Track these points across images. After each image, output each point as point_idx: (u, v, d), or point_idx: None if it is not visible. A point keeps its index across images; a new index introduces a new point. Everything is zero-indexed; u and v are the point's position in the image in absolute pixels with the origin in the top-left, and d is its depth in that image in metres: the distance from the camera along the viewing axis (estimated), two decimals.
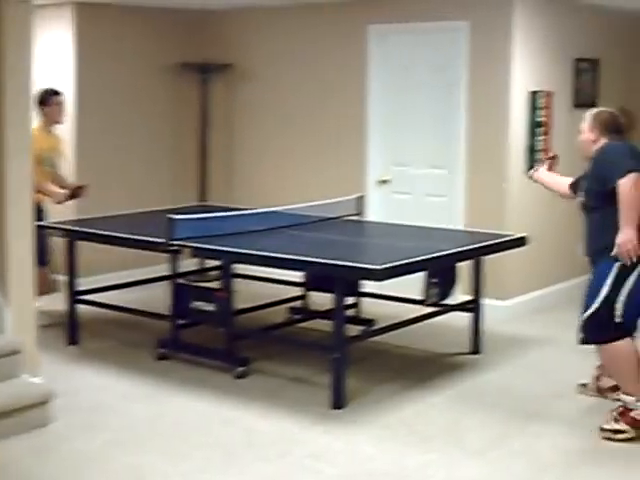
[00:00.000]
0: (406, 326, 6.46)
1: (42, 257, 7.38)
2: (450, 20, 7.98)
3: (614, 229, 5.19)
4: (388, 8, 8.30)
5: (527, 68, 7.83)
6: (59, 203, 7.64)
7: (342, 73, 8.75)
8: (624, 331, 5.29)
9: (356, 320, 7.03)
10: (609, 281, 5.23)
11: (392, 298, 7.14)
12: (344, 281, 5.68)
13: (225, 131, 9.67)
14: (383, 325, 6.47)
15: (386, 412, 5.60)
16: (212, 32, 9.65)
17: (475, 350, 6.79)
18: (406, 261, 5.63)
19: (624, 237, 5.16)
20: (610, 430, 5.22)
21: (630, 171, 5.13)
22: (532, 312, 7.88)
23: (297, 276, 7.25)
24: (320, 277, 6.50)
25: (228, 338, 6.31)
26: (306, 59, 9.01)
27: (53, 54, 8.87)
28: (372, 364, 6.58)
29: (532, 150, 7.85)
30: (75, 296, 7.18)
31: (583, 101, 8.44)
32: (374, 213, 8.42)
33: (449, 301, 6.51)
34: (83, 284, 7.52)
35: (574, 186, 5.81)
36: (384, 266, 5.44)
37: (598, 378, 5.87)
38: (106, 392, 6.02)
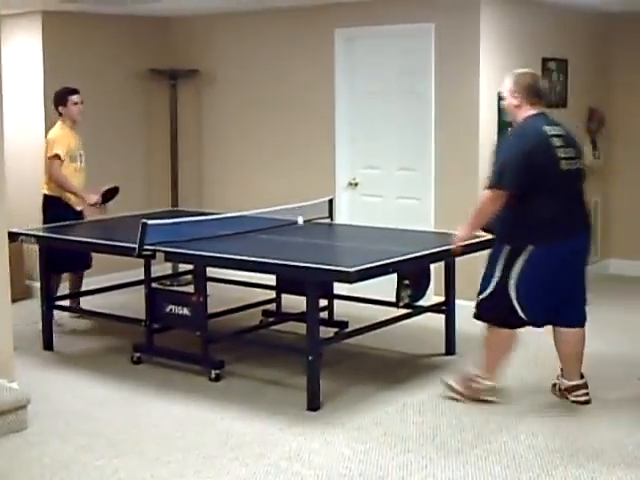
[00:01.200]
0: (380, 328, 6.50)
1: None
2: (416, 22, 8.00)
3: (508, 214, 5.44)
4: (354, 12, 8.34)
5: (495, 69, 7.85)
6: (90, 208, 7.68)
7: (309, 77, 8.78)
8: (523, 323, 5.59)
9: (330, 322, 7.08)
10: (500, 265, 5.50)
11: (365, 300, 7.19)
12: (317, 284, 5.72)
13: (194, 136, 9.70)
14: (357, 327, 6.50)
15: (362, 413, 5.63)
16: (179, 38, 9.69)
17: (449, 351, 6.84)
18: (377, 263, 5.67)
19: (461, 234, 5.71)
20: (449, 386, 5.81)
21: (499, 186, 5.37)
22: None
23: (270, 279, 7.27)
24: (292, 280, 6.53)
25: (203, 341, 6.34)
26: (273, 63, 9.05)
27: (22, 62, 8.87)
28: (347, 366, 6.62)
29: None
30: (50, 302, 7.19)
31: (552, 101, 8.50)
32: (344, 216, 8.48)
33: (422, 302, 6.57)
34: (60, 289, 7.54)
35: None
36: (356, 268, 5.47)
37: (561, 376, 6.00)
38: (81, 397, 6.03)
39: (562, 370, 5.86)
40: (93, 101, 9.00)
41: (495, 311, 5.60)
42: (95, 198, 7.62)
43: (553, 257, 5.45)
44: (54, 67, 8.75)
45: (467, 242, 5.86)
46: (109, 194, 7.72)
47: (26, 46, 8.85)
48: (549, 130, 5.49)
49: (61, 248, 7.18)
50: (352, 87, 8.56)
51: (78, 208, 7.68)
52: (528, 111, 5.54)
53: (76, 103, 7.69)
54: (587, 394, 5.70)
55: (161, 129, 9.64)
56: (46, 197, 7.65)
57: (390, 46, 8.31)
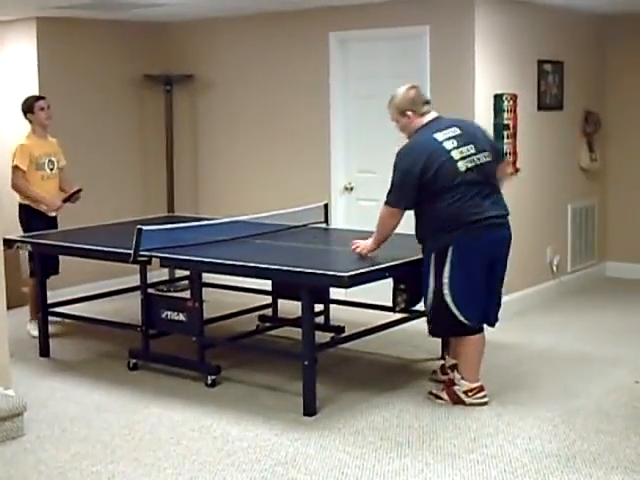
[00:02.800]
0: (376, 332, 6.51)
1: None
2: (411, 25, 8.00)
3: (423, 222, 5.67)
4: (349, 15, 8.33)
5: (490, 71, 7.86)
6: (54, 211, 7.66)
7: (304, 81, 8.78)
8: (471, 328, 5.69)
9: (326, 327, 7.07)
10: (431, 271, 5.60)
11: (361, 305, 7.18)
12: (312, 289, 5.72)
13: (189, 142, 9.70)
14: (353, 332, 6.49)
15: (358, 418, 5.63)
16: (173, 44, 9.69)
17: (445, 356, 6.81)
18: (373, 268, 5.68)
19: (367, 249, 5.89)
20: (434, 395, 5.90)
21: (396, 205, 5.62)
22: (501, 317, 7.87)
23: (265, 284, 7.28)
24: (288, 285, 6.53)
25: (199, 347, 6.34)
26: (267, 68, 9.05)
27: (17, 68, 8.88)
28: (343, 371, 6.62)
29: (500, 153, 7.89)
30: (46, 308, 7.19)
31: (548, 103, 8.56)
32: (339, 221, 8.47)
33: (419, 307, 6.55)
34: (56, 296, 7.54)
35: None
36: (351, 273, 5.47)
37: (443, 358, 6.36)
38: (78, 403, 6.02)
39: (451, 369, 6.05)
40: (88, 107, 9.03)
41: (444, 323, 5.70)
42: (57, 204, 7.65)
43: (474, 251, 5.55)
44: (49, 73, 8.76)
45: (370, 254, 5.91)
46: (72, 198, 7.72)
47: (21, 52, 8.86)
48: (440, 136, 5.60)
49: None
50: (347, 91, 8.56)
51: (51, 214, 7.70)
52: (420, 123, 5.68)
53: (42, 108, 7.69)
54: (486, 395, 5.85)
55: (156, 134, 9.64)
56: (20, 206, 7.70)
57: (385, 49, 8.31)
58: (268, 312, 7.55)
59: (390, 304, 6.20)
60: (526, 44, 8.28)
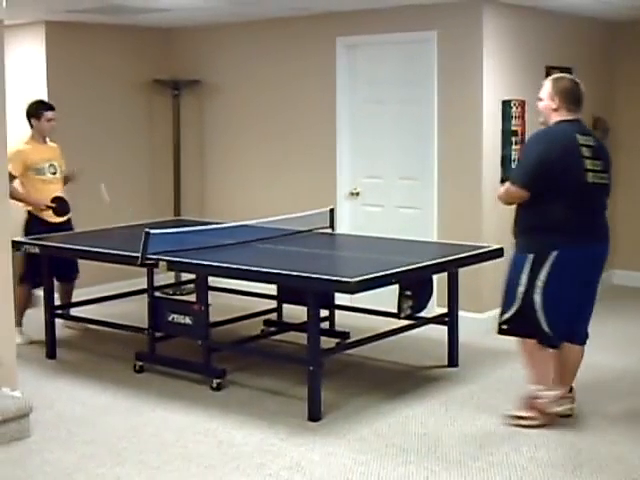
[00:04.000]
0: (381, 339, 6.50)
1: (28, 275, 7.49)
2: (418, 30, 8.00)
3: (528, 222, 5.48)
4: (356, 20, 8.34)
5: (498, 77, 7.87)
6: (42, 210, 7.65)
7: (311, 86, 8.79)
8: (551, 340, 5.47)
9: (331, 333, 7.08)
10: (525, 275, 5.41)
11: (367, 311, 7.19)
12: (318, 294, 5.72)
13: (197, 146, 9.72)
14: (358, 338, 6.49)
15: (363, 424, 5.63)
16: (181, 49, 9.72)
17: (452, 363, 6.82)
18: (379, 273, 5.66)
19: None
20: (515, 417, 5.56)
21: (522, 186, 5.37)
22: None
23: (271, 289, 7.29)
24: (293, 290, 6.53)
25: (205, 350, 6.35)
26: (275, 73, 9.07)
27: (27, 72, 8.90)
28: (348, 377, 6.62)
29: (508, 160, 7.90)
30: (53, 310, 7.21)
31: None
32: (345, 226, 8.48)
33: (425, 314, 6.56)
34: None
35: None
36: (357, 279, 5.46)
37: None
38: (84, 405, 6.04)
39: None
40: (96, 111, 9.05)
41: (524, 326, 5.48)
42: (43, 203, 7.63)
43: (575, 262, 5.38)
44: (57, 77, 8.79)
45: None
46: (57, 201, 7.72)
47: (30, 56, 8.89)
48: (580, 139, 5.42)
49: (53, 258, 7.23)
50: (354, 96, 8.57)
51: (56, 220, 7.69)
52: (564, 116, 5.48)
53: (50, 120, 7.67)
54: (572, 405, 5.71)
55: (164, 139, 9.67)
56: (27, 213, 7.72)
57: (392, 54, 8.31)
58: (273, 317, 7.57)
59: (395, 310, 6.21)
60: (534, 50, 8.27)
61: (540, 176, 5.30)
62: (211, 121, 9.60)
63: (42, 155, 7.66)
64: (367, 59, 8.49)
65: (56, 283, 7.54)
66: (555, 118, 5.49)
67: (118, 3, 7.62)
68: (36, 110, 7.67)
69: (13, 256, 7.46)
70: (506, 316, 5.52)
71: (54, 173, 7.71)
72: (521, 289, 5.42)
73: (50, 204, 7.60)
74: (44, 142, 7.75)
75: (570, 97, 5.49)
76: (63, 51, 8.86)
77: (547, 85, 5.55)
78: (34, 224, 7.59)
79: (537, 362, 5.57)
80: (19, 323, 7.39)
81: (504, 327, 5.57)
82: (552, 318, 5.40)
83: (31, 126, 7.69)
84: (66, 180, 7.85)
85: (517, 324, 5.50)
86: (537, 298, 5.37)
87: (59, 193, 7.72)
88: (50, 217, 7.65)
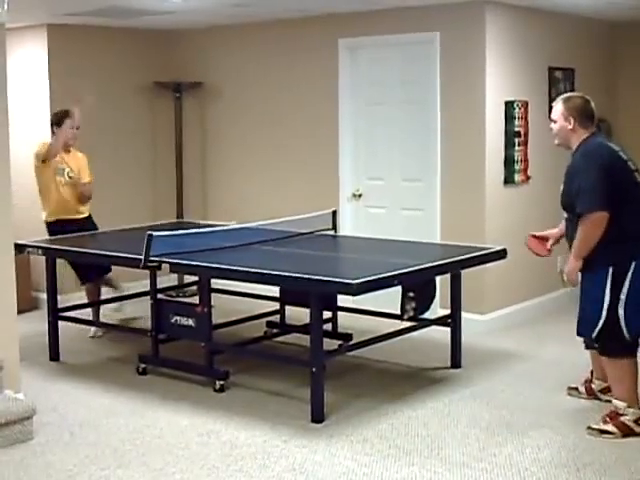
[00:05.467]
0: (384, 340, 6.50)
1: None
2: (421, 32, 7.99)
3: (602, 237, 5.28)
4: (358, 22, 8.34)
5: (501, 78, 7.86)
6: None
7: (313, 87, 8.79)
8: (633, 345, 5.42)
9: (334, 334, 7.08)
10: (607, 289, 5.31)
11: (369, 312, 7.19)
12: (320, 295, 5.72)
13: (198, 148, 9.73)
14: (361, 339, 6.49)
15: (366, 426, 5.63)
16: (183, 51, 9.73)
17: (455, 364, 6.81)
18: (382, 275, 5.65)
19: (570, 267, 5.41)
20: (597, 429, 5.40)
21: (598, 208, 5.21)
22: (511, 326, 7.92)
23: (273, 291, 7.29)
24: (296, 292, 6.54)
25: (208, 352, 6.35)
26: (276, 74, 9.07)
27: (29, 75, 8.91)
28: (351, 378, 6.62)
29: (511, 161, 7.91)
30: (56, 313, 7.22)
31: None
32: (347, 228, 8.48)
33: (427, 315, 6.56)
34: (65, 301, 7.56)
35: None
36: (360, 280, 5.45)
37: (591, 381, 6.00)
38: (87, 407, 6.04)
39: (592, 373, 5.94)
40: (98, 113, 9.03)
41: (616, 341, 5.38)
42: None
43: None
44: (60, 80, 8.79)
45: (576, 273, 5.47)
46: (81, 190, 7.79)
47: (32, 59, 8.90)
48: (613, 146, 5.48)
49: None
50: (356, 97, 8.57)
51: (72, 217, 7.79)
52: (583, 134, 5.48)
53: (73, 127, 7.70)
54: None
55: (166, 141, 9.68)
56: (46, 224, 7.83)
57: (394, 56, 8.31)
58: (276, 318, 7.57)
59: (398, 312, 6.21)
60: (537, 51, 8.28)
61: (609, 191, 5.24)
62: (213, 123, 9.61)
63: (64, 159, 7.69)
64: (369, 60, 8.49)
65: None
66: (577, 137, 5.49)
67: (120, 5, 7.63)
68: (59, 116, 7.71)
69: (25, 258, 7.57)
70: (596, 331, 5.39)
71: (71, 177, 7.71)
72: (605, 305, 5.33)
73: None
74: (66, 151, 7.75)
75: (584, 114, 5.51)
76: (65, 54, 8.86)
77: (559, 106, 5.55)
78: (54, 230, 7.66)
79: (624, 377, 5.45)
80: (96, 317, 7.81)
81: (603, 349, 5.46)
82: (635, 326, 5.35)
83: (53, 134, 7.70)
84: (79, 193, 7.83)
85: (611, 340, 5.39)
86: (621, 311, 5.31)
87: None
88: (66, 215, 7.70)
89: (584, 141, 5.47)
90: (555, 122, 5.57)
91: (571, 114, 5.48)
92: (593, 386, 5.97)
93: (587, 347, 5.81)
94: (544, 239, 6.06)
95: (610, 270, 5.30)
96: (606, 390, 5.81)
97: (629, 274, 5.29)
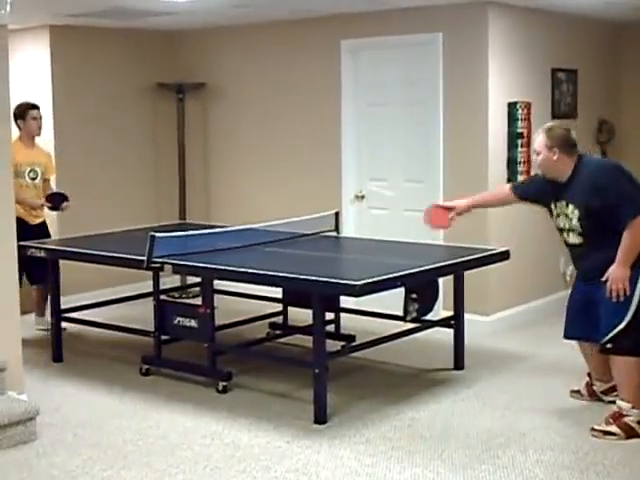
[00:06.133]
0: (387, 342, 6.49)
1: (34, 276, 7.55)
2: (423, 32, 7.98)
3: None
4: (360, 23, 8.33)
5: (504, 79, 7.85)
6: (36, 209, 7.73)
7: (315, 89, 8.79)
8: None
9: (336, 336, 7.07)
10: (637, 292, 5.35)
11: (372, 314, 7.19)
12: (323, 297, 5.72)
13: (201, 149, 9.73)
14: (364, 341, 6.49)
15: (369, 427, 5.63)
16: (185, 52, 9.73)
17: (458, 365, 6.81)
18: (385, 277, 5.65)
19: (618, 274, 5.34)
20: (601, 431, 5.39)
21: None
22: (514, 327, 7.92)
23: (276, 292, 7.29)
24: (299, 293, 6.54)
25: (210, 353, 6.35)
26: (279, 76, 9.07)
27: (31, 76, 8.91)
28: (354, 379, 6.62)
29: (514, 162, 7.90)
30: (59, 314, 7.22)
31: (562, 112, 8.53)
32: (350, 229, 8.47)
33: (430, 317, 6.56)
34: (68, 302, 7.56)
35: (520, 190, 5.98)
36: (362, 282, 5.45)
37: (592, 384, 5.99)
38: (90, 408, 6.05)
39: (590, 375, 5.94)
40: (101, 114, 9.06)
41: (633, 340, 5.39)
42: (41, 202, 7.77)
43: None
44: (62, 81, 8.80)
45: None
46: (59, 205, 7.79)
47: (34, 61, 8.90)
48: None
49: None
50: (359, 99, 8.56)
51: (35, 222, 7.78)
52: (571, 161, 5.50)
53: (35, 118, 7.76)
54: None
55: (169, 142, 9.68)
56: None
57: (397, 57, 8.30)
58: (279, 320, 7.57)
59: (401, 313, 6.21)
60: (540, 52, 8.27)
61: None
62: (216, 124, 9.61)
63: (26, 158, 7.69)
64: (372, 61, 8.48)
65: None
66: (565, 165, 5.49)
67: (122, 6, 7.63)
68: (20, 109, 7.75)
69: None
70: (619, 328, 5.39)
71: (33, 179, 7.74)
72: (633, 307, 5.36)
73: (46, 203, 7.68)
74: (31, 146, 7.77)
75: (567, 143, 5.53)
76: (67, 55, 8.87)
77: (541, 138, 5.54)
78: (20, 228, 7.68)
79: (633, 377, 5.45)
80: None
81: (614, 344, 5.44)
82: None
83: (19, 128, 7.73)
84: (50, 202, 7.81)
85: (624, 339, 5.40)
86: None
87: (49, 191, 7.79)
88: (27, 217, 7.68)
89: (580, 163, 5.50)
90: (539, 154, 5.57)
91: (554, 144, 5.49)
92: (595, 388, 5.97)
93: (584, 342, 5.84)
94: (447, 209, 6.21)
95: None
96: (608, 391, 5.82)
97: None
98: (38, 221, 7.84)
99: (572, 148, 5.53)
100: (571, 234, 5.56)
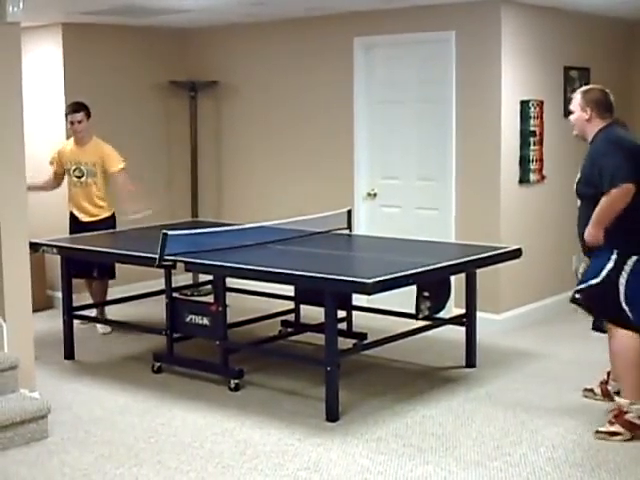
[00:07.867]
0: (399, 340, 6.49)
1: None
2: (436, 31, 7.98)
3: (616, 222, 5.34)
4: (373, 20, 8.32)
5: (517, 77, 7.84)
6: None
7: (329, 86, 8.78)
8: (633, 323, 5.39)
9: (348, 333, 7.08)
10: (609, 265, 5.37)
11: (384, 312, 7.18)
12: (335, 295, 5.71)
13: (214, 148, 9.73)
14: (376, 338, 6.48)
15: (381, 425, 5.63)
16: (198, 50, 9.73)
17: (470, 363, 6.80)
18: (397, 274, 5.64)
19: (590, 232, 5.41)
20: (605, 432, 5.35)
21: (624, 180, 5.24)
22: (526, 325, 7.91)
23: (288, 290, 7.29)
24: (311, 291, 6.54)
25: (222, 351, 6.36)
26: (292, 73, 9.06)
27: (44, 73, 8.93)
28: (365, 377, 6.61)
29: (527, 160, 7.89)
30: (71, 311, 7.23)
31: None
32: (362, 227, 8.47)
33: (442, 314, 6.55)
34: (80, 299, 7.58)
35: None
36: (375, 279, 5.45)
37: (607, 382, 5.96)
38: (102, 406, 6.06)
39: (609, 374, 5.90)
40: (113, 112, 9.06)
41: (601, 300, 5.46)
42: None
43: None
44: (74, 79, 8.80)
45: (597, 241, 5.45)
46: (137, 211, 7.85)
47: (47, 58, 8.91)
48: (632, 137, 5.58)
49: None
50: (371, 96, 8.55)
51: (81, 219, 7.90)
52: (599, 124, 5.54)
53: (72, 122, 7.83)
54: None
55: (181, 140, 9.69)
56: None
57: (410, 54, 8.28)
58: (291, 317, 7.57)
59: (413, 311, 6.20)
60: (552, 50, 8.25)
61: (633, 167, 5.30)
62: (228, 122, 9.61)
63: (72, 157, 7.79)
64: (385, 59, 8.47)
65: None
66: (592, 127, 5.56)
67: (135, 4, 7.63)
68: (65, 111, 7.91)
69: (41, 257, 7.62)
70: (588, 283, 5.47)
71: (79, 177, 7.75)
72: (606, 270, 5.39)
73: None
74: (80, 144, 7.81)
75: (602, 106, 5.58)
76: (80, 53, 8.88)
77: (577, 97, 5.65)
78: (70, 222, 7.89)
79: (626, 364, 5.45)
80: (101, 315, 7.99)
81: (579, 295, 5.52)
82: (636, 310, 5.37)
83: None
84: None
85: (594, 296, 5.46)
86: (621, 284, 5.36)
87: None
88: (80, 214, 7.82)
89: (602, 130, 5.53)
90: (573, 113, 5.67)
91: (588, 105, 5.56)
92: (609, 387, 5.93)
93: (594, 329, 5.84)
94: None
95: (614, 255, 5.38)
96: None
97: (627, 266, 5.36)
98: (91, 219, 7.87)
99: (606, 111, 5.58)
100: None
